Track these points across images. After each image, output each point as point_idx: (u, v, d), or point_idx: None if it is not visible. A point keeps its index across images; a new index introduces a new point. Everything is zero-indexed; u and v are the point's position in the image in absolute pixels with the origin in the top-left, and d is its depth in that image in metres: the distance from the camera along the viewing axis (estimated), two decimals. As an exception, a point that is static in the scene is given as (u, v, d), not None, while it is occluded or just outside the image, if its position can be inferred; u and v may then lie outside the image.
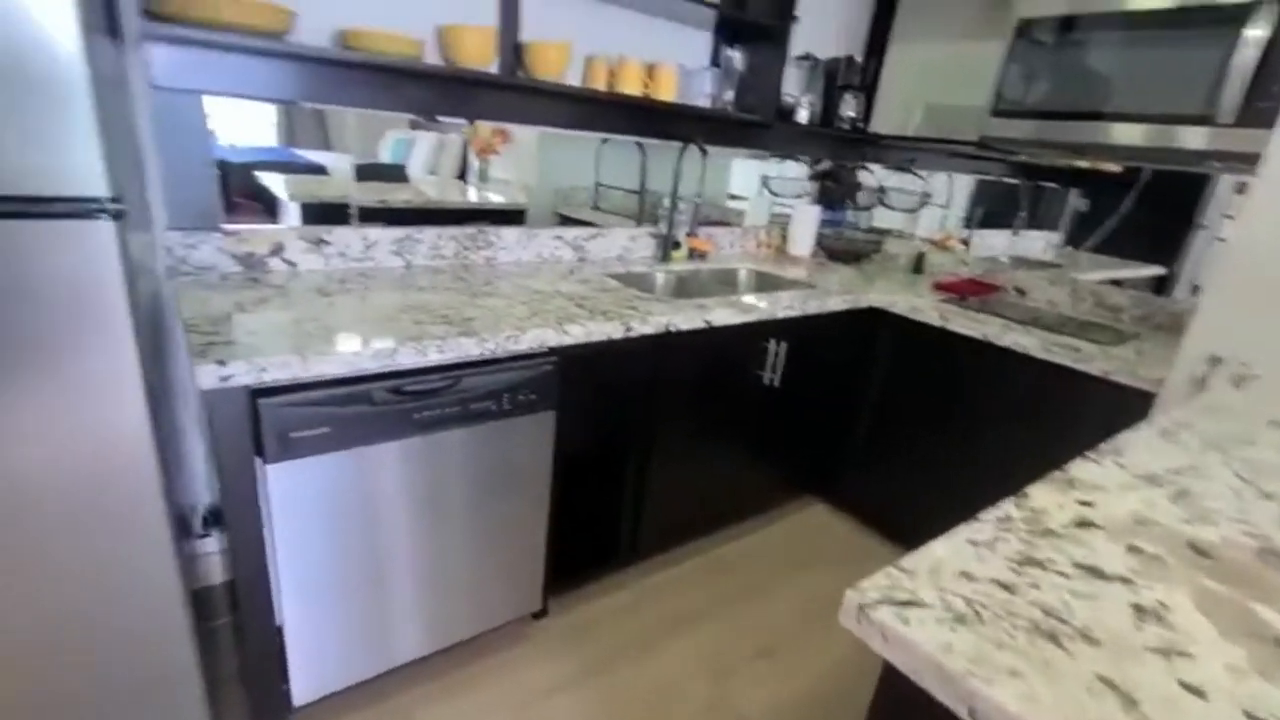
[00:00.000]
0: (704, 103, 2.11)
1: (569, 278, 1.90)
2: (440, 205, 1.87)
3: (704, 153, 2.11)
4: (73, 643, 1.04)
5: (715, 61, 2.23)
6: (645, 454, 1.78)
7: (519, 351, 1.37)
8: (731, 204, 2.63)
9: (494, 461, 1.42)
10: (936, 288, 2.35)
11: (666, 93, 1.96)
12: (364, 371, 1.18)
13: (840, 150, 2.79)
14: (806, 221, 2.64)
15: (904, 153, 2.74)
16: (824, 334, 2.07)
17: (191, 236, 1.49)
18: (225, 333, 1.16)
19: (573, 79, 1.94)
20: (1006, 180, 2.52)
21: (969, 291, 2.30)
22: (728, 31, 2.19)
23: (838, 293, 2.09)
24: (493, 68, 1.73)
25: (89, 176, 0.81)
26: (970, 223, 2.69)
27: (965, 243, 3.19)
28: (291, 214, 1.63)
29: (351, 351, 1.15)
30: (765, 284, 2.38)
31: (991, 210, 2.77)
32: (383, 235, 1.75)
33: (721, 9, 1.97)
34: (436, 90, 1.72)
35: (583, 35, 1.92)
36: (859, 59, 2.48)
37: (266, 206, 1.60)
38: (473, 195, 1.93)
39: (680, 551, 2.14)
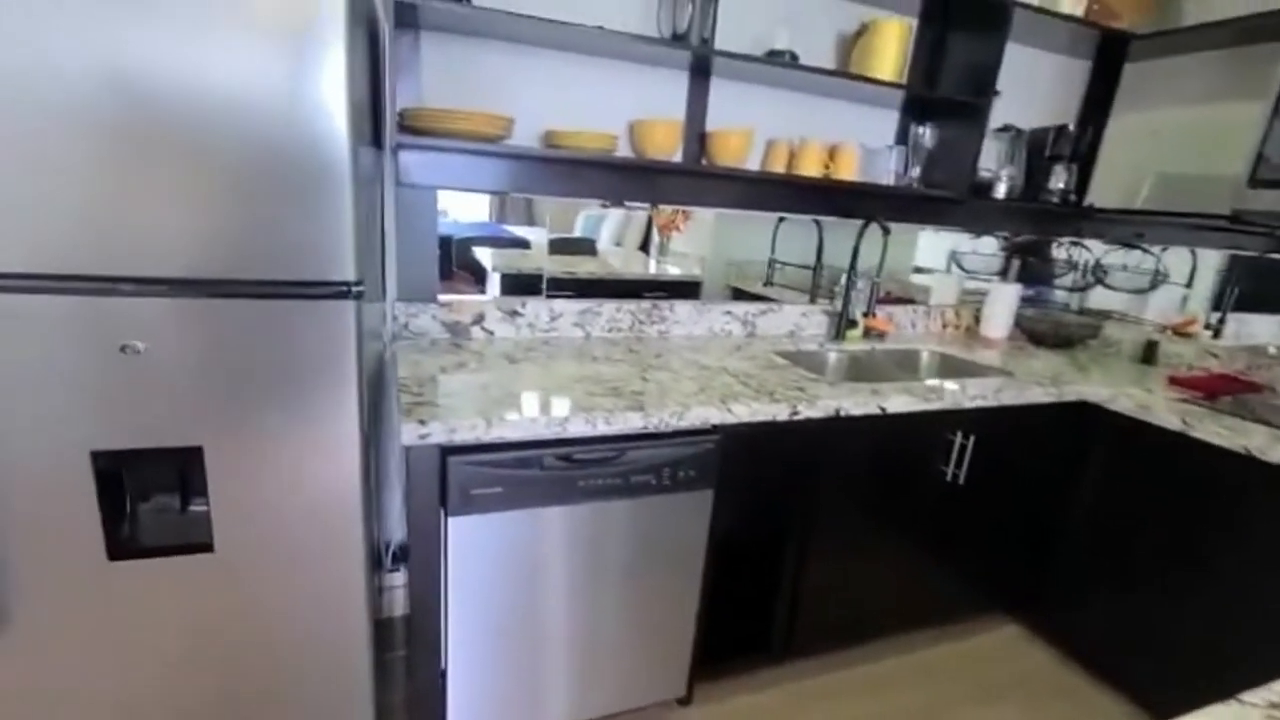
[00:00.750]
0: (887, 180, 2.05)
1: (737, 353, 1.90)
2: (620, 276, 2.00)
3: (886, 231, 2.02)
4: (268, 649, 1.20)
5: (902, 139, 2.16)
6: (805, 544, 1.68)
7: (682, 428, 1.38)
8: (916, 278, 2.48)
9: (650, 535, 1.43)
10: (1173, 383, 1.99)
11: (847, 172, 1.93)
12: (538, 437, 1.27)
13: (1047, 225, 2.53)
14: (1004, 300, 2.40)
15: (1128, 227, 2.41)
16: (1022, 429, 1.83)
17: (413, 306, 1.73)
18: (429, 394, 1.32)
19: (753, 162, 1.99)
20: (1272, 256, 2.10)
21: (1219, 389, 1.91)
22: (916, 109, 2.12)
23: (1040, 382, 1.85)
24: (677, 156, 1.84)
25: (343, 264, 0.99)
26: (1221, 306, 2.26)
27: (1213, 329, 2.72)
28: (494, 284, 1.84)
29: (528, 419, 1.24)
30: (951, 368, 2.18)
31: (1251, 291, 2.33)
32: (568, 308, 1.90)
33: (910, 89, 1.92)
34: (625, 179, 1.86)
35: (765, 121, 1.98)
36: (1072, 127, 2.26)
37: (477, 276, 1.83)
38: (652, 267, 2.04)
39: (840, 657, 1.95)
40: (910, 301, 2.47)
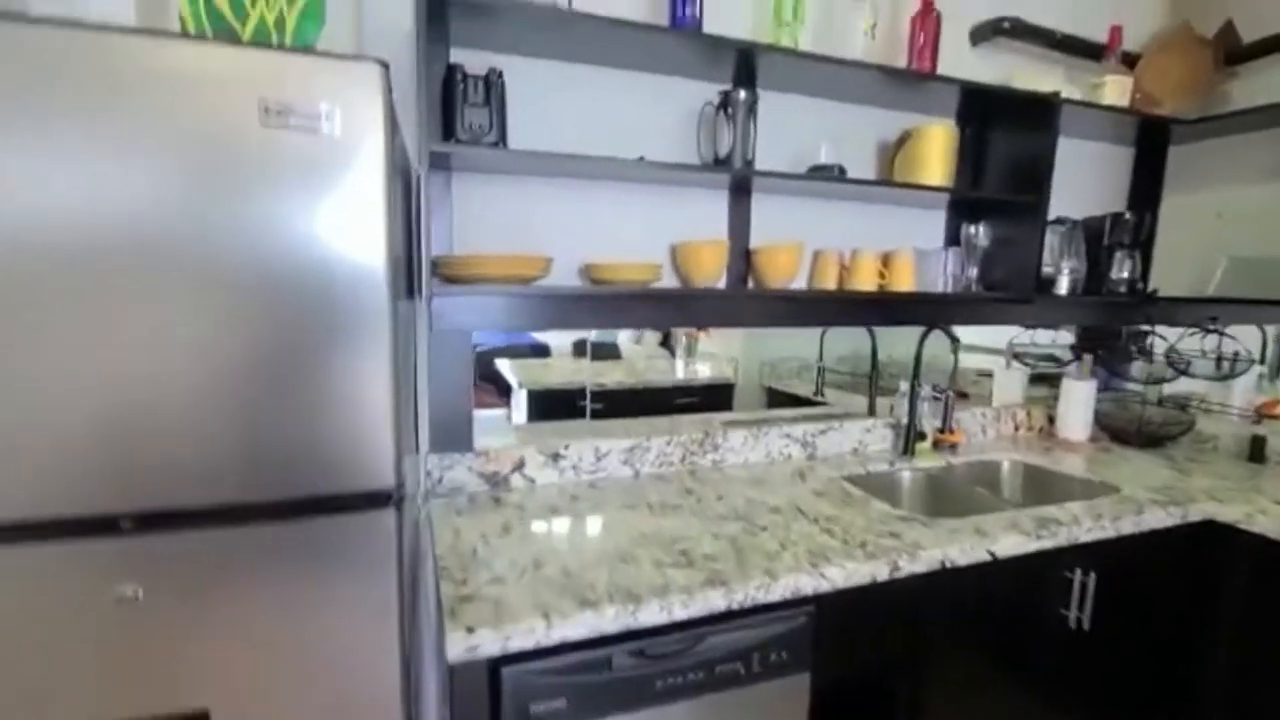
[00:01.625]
0: (945, 284, 1.92)
1: (802, 483, 1.70)
2: (650, 384, 1.83)
3: (955, 341, 1.86)
4: None
5: (954, 238, 2.05)
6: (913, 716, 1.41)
7: (770, 601, 1.17)
8: (968, 361, 2.30)
9: (739, 736, 1.19)
10: (1304, 490, 1.75)
11: (904, 282, 1.80)
12: (603, 633, 1.06)
13: (1115, 315, 2.37)
14: (1080, 399, 2.20)
15: (1199, 310, 2.24)
16: (1145, 559, 1.59)
17: (447, 458, 1.57)
18: (473, 581, 1.13)
19: (802, 276, 1.88)
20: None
21: (1361, 496, 1.67)
22: (965, 208, 2.02)
23: (1157, 500, 1.62)
24: (722, 278, 1.73)
25: (384, 471, 0.83)
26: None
27: None
28: (521, 402, 1.68)
29: (594, 611, 1.04)
30: (1040, 482, 1.96)
31: None
32: (614, 445, 1.73)
33: (957, 192, 1.82)
34: (668, 307, 1.74)
35: (811, 231, 1.88)
36: (1128, 215, 2.14)
37: (500, 389, 1.68)
38: (680, 369, 1.88)
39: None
40: (964, 396, 2.27)
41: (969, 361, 2.29)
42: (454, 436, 1.59)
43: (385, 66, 0.82)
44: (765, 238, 1.81)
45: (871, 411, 2.10)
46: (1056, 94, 1.79)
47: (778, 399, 2.01)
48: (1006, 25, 1.93)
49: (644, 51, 1.51)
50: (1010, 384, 2.33)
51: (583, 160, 1.40)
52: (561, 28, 1.38)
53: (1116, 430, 2.25)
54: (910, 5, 1.80)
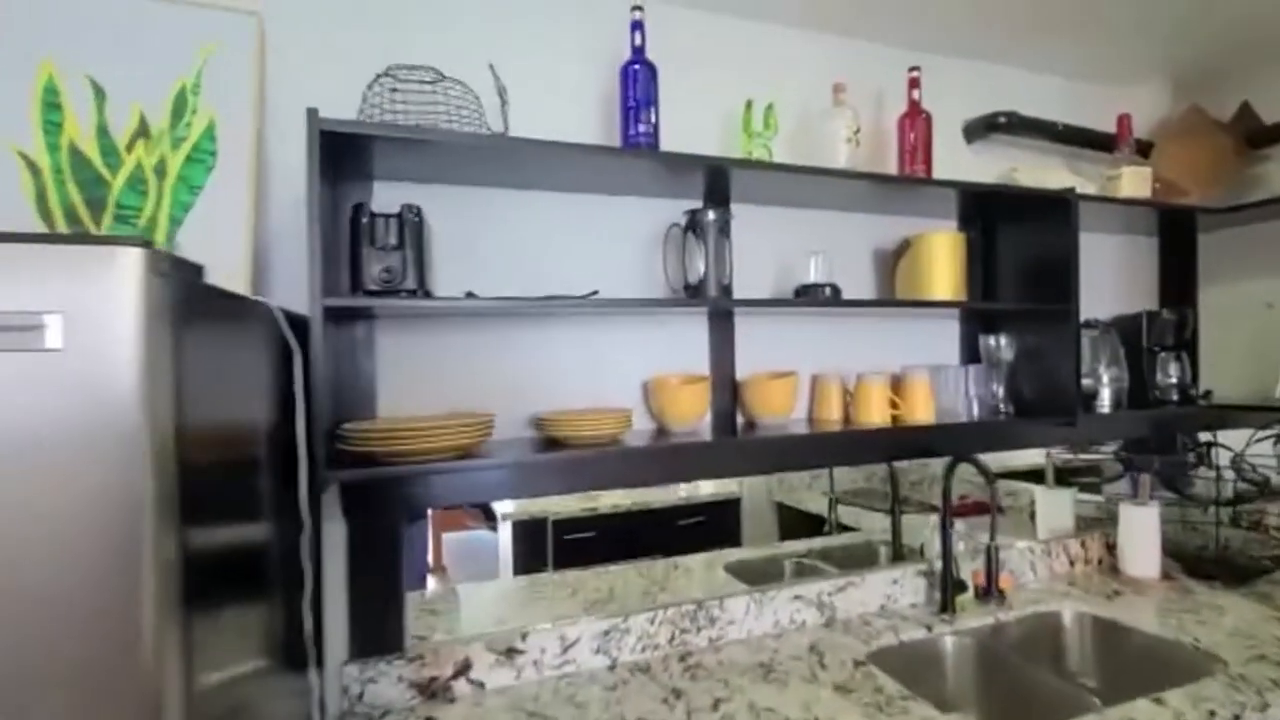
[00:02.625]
0: (967, 408, 1.64)
1: (821, 670, 1.36)
2: (648, 505, 1.53)
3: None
4: None
5: (970, 352, 1.79)
6: None
7: None
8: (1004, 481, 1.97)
9: None
10: None
11: (920, 410, 1.53)
12: None
13: (1167, 425, 2.07)
14: (1144, 527, 1.86)
15: (1266, 415, 1.94)
16: (1279, 768, 1.21)
17: (370, 667, 1.25)
18: None
19: (800, 407, 1.61)
20: None
21: None
22: (980, 318, 1.78)
23: (1272, 679, 1.26)
24: (706, 417, 1.46)
25: None
26: None
27: None
28: (506, 535, 1.40)
29: None
30: (1116, 649, 1.60)
31: None
32: (584, 630, 1.41)
33: (969, 304, 1.58)
34: (643, 463, 1.47)
35: (807, 355, 1.64)
36: (1165, 312, 1.89)
37: (487, 513, 1.39)
38: (681, 487, 1.58)
39: None
40: (999, 510, 1.93)
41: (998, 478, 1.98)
42: (379, 637, 1.28)
43: (147, 245, 0.59)
44: (754, 365, 1.56)
45: (896, 554, 1.77)
46: (1071, 190, 1.58)
47: (789, 517, 1.69)
48: (1003, 120, 1.76)
49: (596, 174, 1.33)
50: (1057, 507, 1.99)
51: (521, 302, 1.17)
52: (499, 158, 1.20)
53: (1190, 562, 1.89)
54: (895, 106, 1.64)
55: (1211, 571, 1.85)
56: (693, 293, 1.34)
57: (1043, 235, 1.66)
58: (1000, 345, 1.70)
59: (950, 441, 1.73)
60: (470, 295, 1.18)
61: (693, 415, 1.39)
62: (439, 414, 1.28)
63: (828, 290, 1.44)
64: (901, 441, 1.70)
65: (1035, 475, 1.98)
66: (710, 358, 1.53)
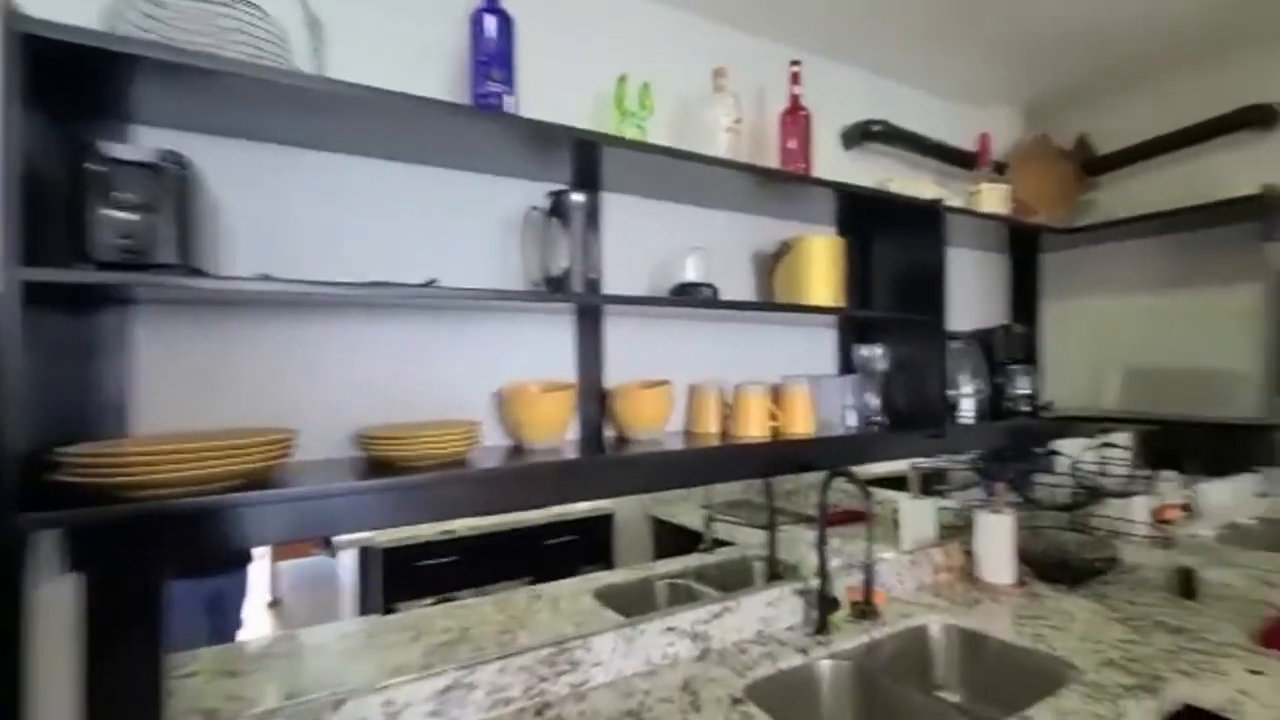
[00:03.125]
0: (844, 419, 1.59)
1: (696, 710, 1.22)
2: (516, 526, 1.32)
3: (866, 492, 1.51)
4: None
5: (846, 361, 1.75)
6: None
7: None
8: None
9: None
10: (1265, 643, 1.50)
11: (800, 422, 1.44)
12: None
13: (1023, 438, 2.16)
14: (1001, 536, 1.91)
15: (1099, 426, 2.08)
16: (1132, 776, 1.23)
17: (114, 771, 0.94)
18: None
19: (674, 417, 1.47)
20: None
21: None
22: (855, 327, 1.75)
23: (1121, 684, 1.29)
24: (571, 430, 1.28)
25: None
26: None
27: (1187, 509, 2.40)
28: (349, 564, 1.12)
29: None
30: (982, 661, 1.60)
31: (1165, 452, 2.08)
32: (415, 695, 1.16)
33: (848, 311, 1.53)
34: (493, 487, 1.26)
35: (682, 360, 1.50)
36: (1017, 327, 1.97)
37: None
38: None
39: None
40: (862, 518, 1.91)
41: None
42: (131, 728, 0.96)
43: None
44: (626, 371, 1.40)
45: (773, 571, 1.68)
46: (940, 200, 1.58)
47: (664, 533, 1.54)
48: (876, 129, 1.75)
49: (439, 141, 1.11)
50: (921, 517, 2.01)
51: (336, 289, 0.93)
52: (308, 106, 0.95)
53: (1039, 566, 1.97)
54: (775, 104, 1.56)
55: (1055, 575, 1.94)
56: (555, 286, 1.16)
57: (914, 246, 1.65)
58: (875, 356, 1.67)
59: (828, 454, 1.67)
60: (266, 278, 0.92)
61: (554, 428, 1.21)
62: (222, 431, 1.00)
63: (707, 290, 1.31)
64: (781, 456, 1.61)
65: (893, 483, 1.98)
66: (576, 363, 1.35)
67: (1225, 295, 1.74)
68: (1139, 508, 2.16)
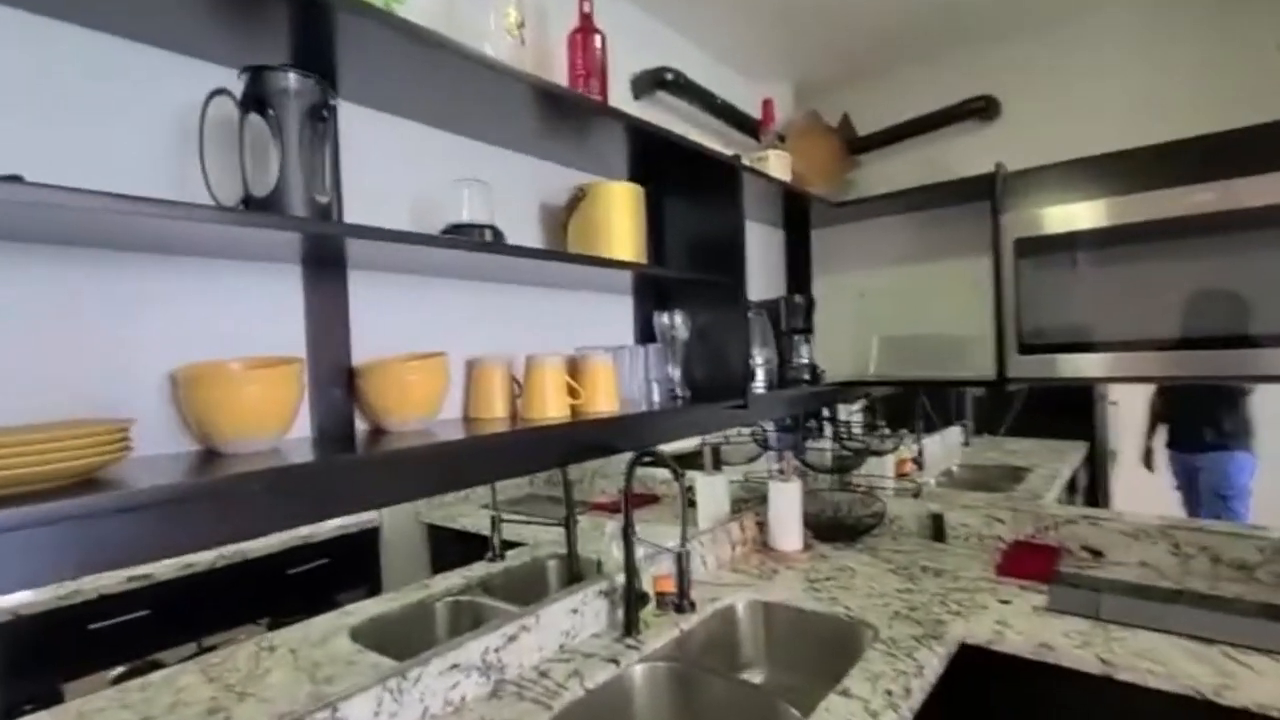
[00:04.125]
0: (647, 393, 1.43)
1: (494, 781, 0.94)
2: (247, 555, 0.92)
3: (678, 476, 1.36)
4: None
5: (646, 330, 1.60)
6: None
7: None
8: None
9: None
10: (1003, 573, 1.68)
11: (604, 399, 1.24)
12: None
13: (803, 404, 2.23)
14: (790, 503, 1.94)
15: (863, 388, 2.25)
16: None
17: None
18: None
19: (450, 404, 1.16)
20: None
21: (1036, 573, 1.65)
22: (654, 292, 1.60)
23: (912, 635, 1.32)
24: (297, 424, 0.91)
25: None
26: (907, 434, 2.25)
27: (917, 463, 2.74)
28: None
29: None
30: (788, 632, 1.57)
31: (891, 415, 2.40)
32: None
33: (647, 271, 1.36)
34: (161, 519, 0.83)
35: (460, 331, 1.20)
36: (798, 298, 2.01)
37: None
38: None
39: None
40: (654, 500, 1.81)
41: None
42: None
43: None
44: (381, 346, 1.06)
45: (572, 573, 1.46)
46: (738, 156, 1.50)
47: (442, 541, 1.23)
48: (669, 77, 1.61)
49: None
50: (716, 493, 1.96)
51: None
52: None
53: (820, 528, 2.05)
54: (561, 26, 1.32)
55: (834, 534, 2.03)
56: (259, 207, 0.78)
57: (711, 205, 1.55)
58: (675, 323, 1.53)
59: (632, 434, 1.49)
60: None
61: (270, 422, 0.83)
62: None
63: (487, 233, 1.03)
64: (583, 438, 1.40)
65: (682, 460, 1.90)
66: (307, 331, 0.98)
67: (961, 267, 1.95)
68: (891, 464, 2.38)
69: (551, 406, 1.15)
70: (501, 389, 1.17)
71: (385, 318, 1.08)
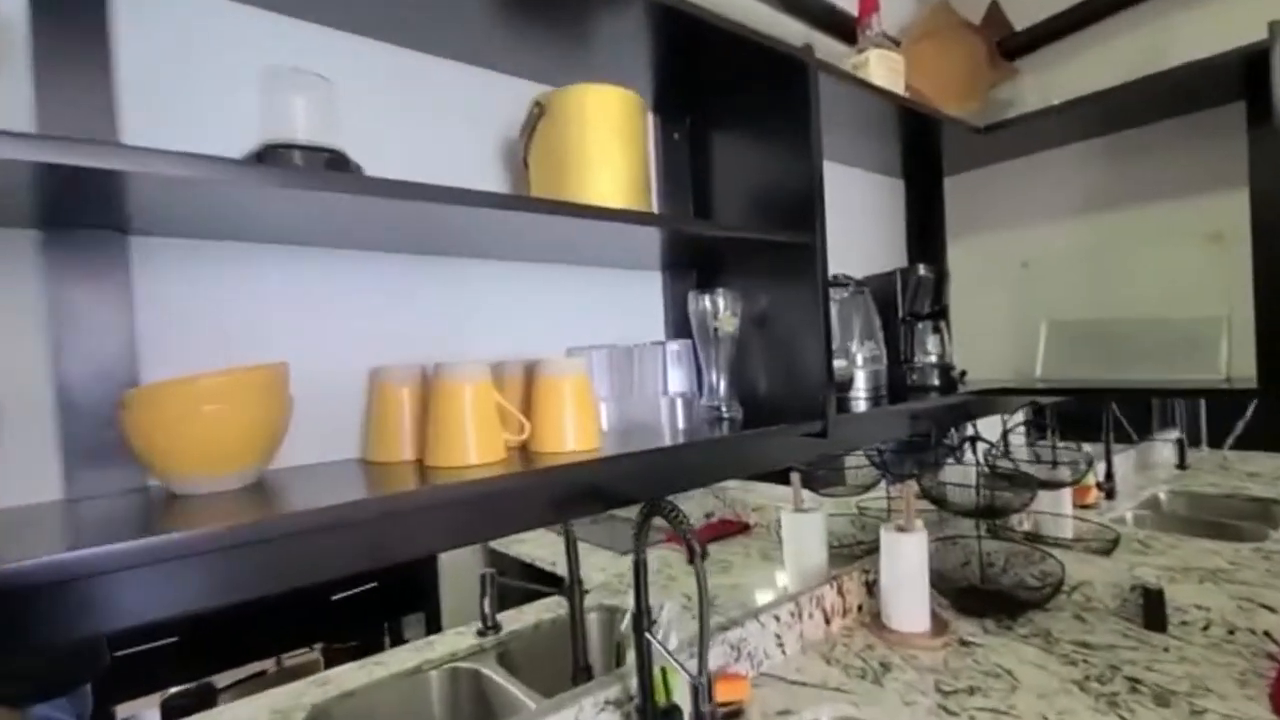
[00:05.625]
0: (670, 413, 0.95)
1: None
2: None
3: (696, 554, 0.87)
4: None
5: (680, 323, 1.11)
6: None
7: None
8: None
9: None
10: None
11: (580, 431, 0.77)
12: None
13: (933, 421, 1.63)
14: (912, 566, 1.34)
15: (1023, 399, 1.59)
16: None
17: None
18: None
19: (346, 440, 0.76)
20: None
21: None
22: (684, 261, 1.11)
23: None
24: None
25: None
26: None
27: (1105, 489, 2.05)
28: None
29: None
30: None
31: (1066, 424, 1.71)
32: None
33: (662, 224, 0.87)
34: None
35: (361, 329, 0.80)
36: (924, 270, 1.42)
37: None
38: None
39: None
40: (743, 530, 1.32)
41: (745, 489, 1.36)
42: None
43: None
44: (183, 359, 0.68)
45: (577, 673, 1.02)
46: (808, 47, 0.96)
47: (513, 574, 0.95)
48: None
49: None
50: (809, 539, 1.42)
51: None
52: None
53: (958, 595, 1.44)
54: None
55: (981, 608, 1.42)
56: None
57: (776, 139, 1.03)
58: (719, 309, 1.03)
59: (643, 478, 1.01)
60: None
61: None
62: None
63: (325, 156, 0.60)
64: (536, 493, 0.93)
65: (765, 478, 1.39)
66: (46, 343, 0.61)
67: (1190, 212, 1.26)
68: (1068, 499, 1.71)
69: (476, 445, 0.70)
70: (407, 417, 0.75)
71: (196, 305, 0.69)
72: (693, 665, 0.89)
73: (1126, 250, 1.36)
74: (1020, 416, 1.63)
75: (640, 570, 0.94)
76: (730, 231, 0.93)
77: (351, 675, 0.89)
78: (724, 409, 1.03)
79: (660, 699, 0.99)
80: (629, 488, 0.98)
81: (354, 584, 0.86)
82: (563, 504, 0.92)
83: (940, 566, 1.57)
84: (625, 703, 1.01)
